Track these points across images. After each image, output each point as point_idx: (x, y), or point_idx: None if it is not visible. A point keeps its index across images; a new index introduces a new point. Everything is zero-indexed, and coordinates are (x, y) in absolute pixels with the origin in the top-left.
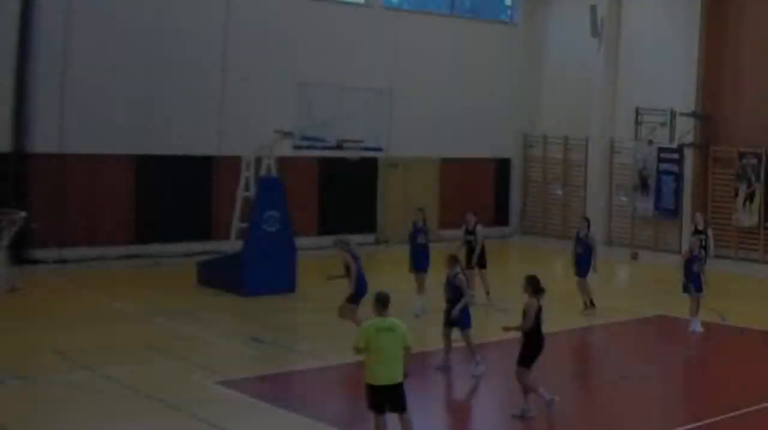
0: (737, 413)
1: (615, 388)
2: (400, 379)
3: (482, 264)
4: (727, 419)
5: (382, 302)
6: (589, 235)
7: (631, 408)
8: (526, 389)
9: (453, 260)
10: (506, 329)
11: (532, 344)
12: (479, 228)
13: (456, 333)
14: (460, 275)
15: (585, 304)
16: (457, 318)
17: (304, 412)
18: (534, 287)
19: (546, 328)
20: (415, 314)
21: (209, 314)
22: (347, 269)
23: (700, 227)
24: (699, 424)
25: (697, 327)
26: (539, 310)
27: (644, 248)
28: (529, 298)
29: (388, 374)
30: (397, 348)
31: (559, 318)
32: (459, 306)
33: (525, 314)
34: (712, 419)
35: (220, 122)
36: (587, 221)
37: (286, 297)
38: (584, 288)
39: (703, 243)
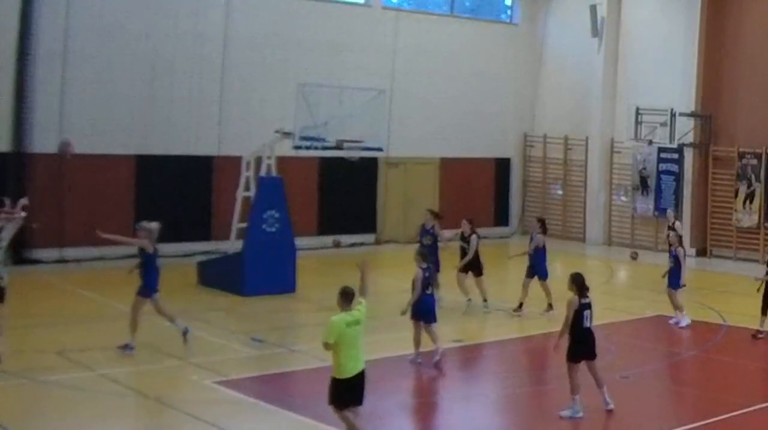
0: (737, 413)
1: (615, 388)
2: (363, 366)
3: (478, 272)
4: (727, 419)
5: (347, 297)
6: (534, 235)
7: (631, 408)
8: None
9: (417, 255)
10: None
11: (573, 339)
12: (473, 237)
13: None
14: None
15: (549, 305)
16: (414, 313)
17: (304, 412)
18: (577, 285)
19: (544, 328)
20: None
21: (209, 314)
22: (144, 256)
23: (670, 223)
24: (699, 424)
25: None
26: (581, 307)
27: (644, 248)
28: (573, 295)
29: (356, 365)
30: (361, 339)
31: (559, 318)
32: (410, 301)
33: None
34: (712, 419)
35: (220, 122)
36: (540, 221)
37: (286, 297)
38: (547, 290)
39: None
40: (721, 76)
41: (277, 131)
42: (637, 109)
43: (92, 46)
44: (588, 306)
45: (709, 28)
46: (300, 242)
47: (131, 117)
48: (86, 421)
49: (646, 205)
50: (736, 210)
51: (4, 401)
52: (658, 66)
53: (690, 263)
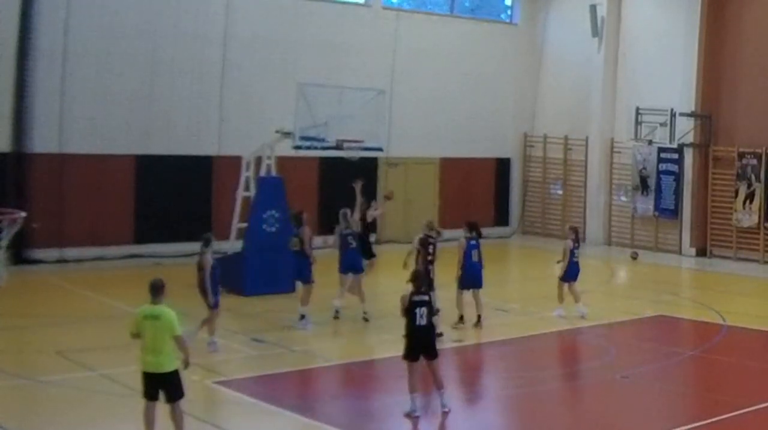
0: (737, 413)
1: (615, 388)
2: (169, 368)
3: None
4: (727, 419)
5: (152, 290)
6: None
7: (631, 408)
8: None
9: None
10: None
11: (407, 336)
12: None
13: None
14: None
15: (460, 318)
16: None
17: (304, 412)
18: (412, 280)
19: (545, 328)
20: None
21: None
22: None
23: None
24: (699, 424)
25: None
26: (412, 304)
27: (644, 248)
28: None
29: (154, 361)
30: (164, 336)
31: (559, 318)
32: None
33: None
34: (712, 419)
35: (220, 122)
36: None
37: (286, 297)
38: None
39: None
40: (721, 76)
41: (277, 131)
42: (637, 109)
43: (92, 45)
44: (422, 304)
45: (709, 28)
46: None
47: (131, 117)
48: (86, 421)
49: (646, 205)
50: (736, 210)
51: (4, 401)
52: (658, 66)
53: (690, 263)
